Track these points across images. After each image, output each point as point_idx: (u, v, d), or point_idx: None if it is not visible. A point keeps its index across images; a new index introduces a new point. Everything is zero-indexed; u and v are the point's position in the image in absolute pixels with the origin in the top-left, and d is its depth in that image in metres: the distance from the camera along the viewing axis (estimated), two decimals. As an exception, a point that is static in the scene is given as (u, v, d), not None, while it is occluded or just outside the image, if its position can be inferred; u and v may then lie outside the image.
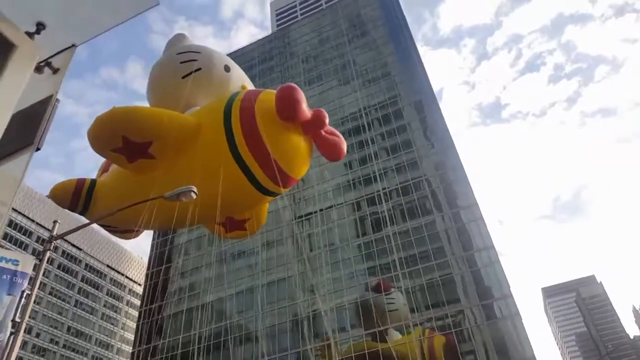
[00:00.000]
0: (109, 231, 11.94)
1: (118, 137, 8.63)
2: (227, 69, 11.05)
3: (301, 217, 52.98)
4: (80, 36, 3.95)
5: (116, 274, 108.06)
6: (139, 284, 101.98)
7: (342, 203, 51.77)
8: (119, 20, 3.64)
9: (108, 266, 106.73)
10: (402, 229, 46.94)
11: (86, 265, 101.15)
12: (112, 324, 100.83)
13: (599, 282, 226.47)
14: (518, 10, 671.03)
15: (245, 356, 44.20)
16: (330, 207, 51.93)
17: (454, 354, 37.94)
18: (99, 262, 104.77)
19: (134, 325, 72.94)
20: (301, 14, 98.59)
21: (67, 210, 11.03)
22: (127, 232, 11.71)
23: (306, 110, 9.12)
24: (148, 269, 59.33)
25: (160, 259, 58.11)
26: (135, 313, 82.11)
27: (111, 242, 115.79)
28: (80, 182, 10.53)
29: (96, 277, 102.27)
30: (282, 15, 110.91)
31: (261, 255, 51.27)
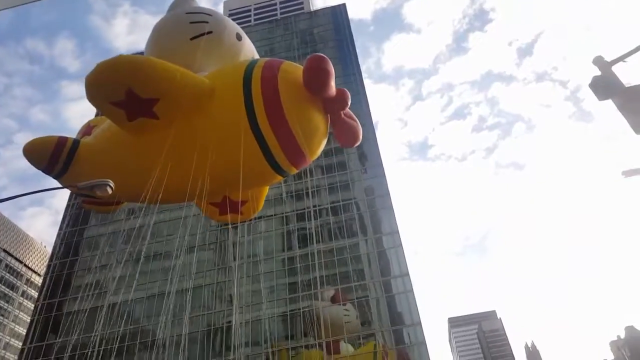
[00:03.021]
0: (86, 202, 10.41)
1: (122, 89, 7.58)
2: (238, 37, 10.16)
3: (227, 224, 51.77)
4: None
5: (13, 260, 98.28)
6: (39, 275, 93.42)
7: (271, 215, 51.44)
8: None
9: (4, 250, 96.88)
10: (327, 248, 47.50)
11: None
12: (2, 316, 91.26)
13: (498, 317, 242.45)
14: (454, 61, 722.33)
15: (148, 363, 41.92)
16: (259, 218, 51.36)
17: None
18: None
19: (27, 319, 66.65)
20: (255, 20, 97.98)
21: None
22: (106, 204, 10.21)
23: (333, 87, 8.43)
24: (51, 259, 54.71)
25: (66, 250, 53.88)
26: (31, 306, 75.15)
27: (10, 223, 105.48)
28: (62, 140, 9.17)
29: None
30: (235, 17, 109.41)
31: (179, 259, 49.29)
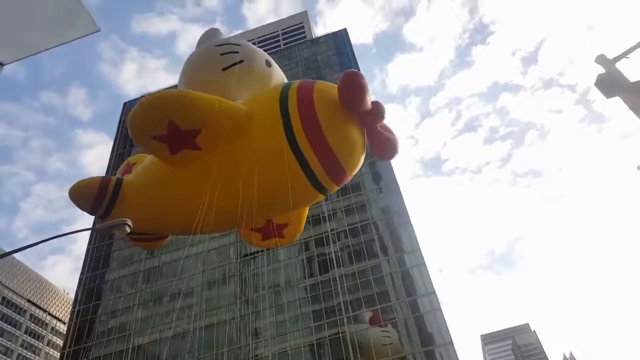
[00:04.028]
0: (132, 239, 10.46)
1: (164, 123, 7.76)
2: (268, 64, 10.31)
3: (246, 255, 51.48)
4: (8, 55, 3.49)
5: (37, 310, 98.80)
6: (63, 322, 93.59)
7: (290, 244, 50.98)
8: (53, 43, 3.24)
9: (28, 301, 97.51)
10: (348, 272, 46.67)
11: (3, 298, 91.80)
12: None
13: (532, 330, 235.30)
14: (459, 75, 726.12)
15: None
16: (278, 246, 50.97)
17: None
18: (18, 295, 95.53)
19: (53, 368, 66.39)
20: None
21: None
22: (153, 240, 10.43)
23: (369, 101, 8.52)
24: (74, 306, 54.68)
25: (88, 295, 53.90)
26: (57, 354, 75.00)
27: (33, 273, 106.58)
28: (106, 180, 9.28)
29: (14, 313, 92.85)
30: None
31: (201, 295, 48.88)
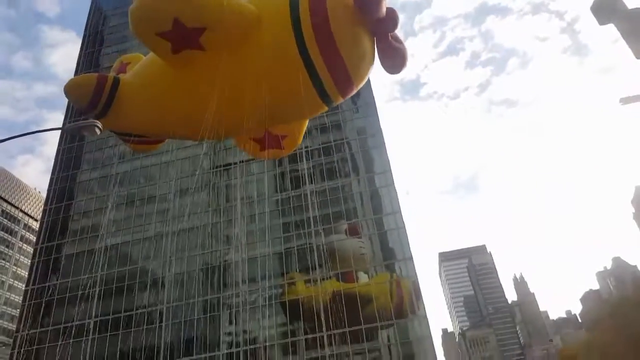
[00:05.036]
0: (126, 141, 10.21)
1: (169, 19, 7.34)
2: None
3: (220, 166, 51.86)
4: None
5: (9, 207, 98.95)
6: (35, 220, 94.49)
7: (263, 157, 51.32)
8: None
9: (1, 197, 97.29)
10: (319, 188, 47.96)
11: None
12: (4, 259, 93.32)
13: (488, 251, 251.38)
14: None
15: (150, 301, 43.54)
16: (251, 159, 51.37)
17: (417, 297, 41.35)
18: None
19: (28, 262, 68.24)
20: None
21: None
22: (149, 142, 10.19)
23: (384, 6, 8.00)
24: (46, 204, 55.00)
25: (60, 195, 54.06)
26: (30, 250, 76.63)
27: (4, 171, 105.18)
28: (102, 79, 8.86)
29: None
30: None
31: (174, 201, 49.75)
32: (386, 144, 50.58)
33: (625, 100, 9.52)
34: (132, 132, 9.73)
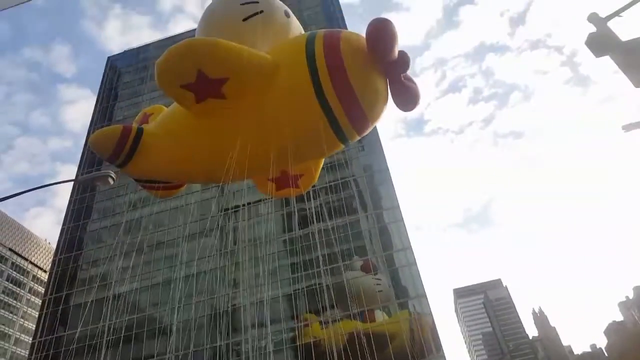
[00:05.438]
0: (147, 187, 10.56)
1: (193, 71, 7.74)
2: (287, 14, 10.24)
3: (228, 209, 51.94)
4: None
5: (19, 258, 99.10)
6: (44, 271, 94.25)
7: (270, 198, 51.36)
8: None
9: (10, 249, 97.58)
10: (327, 227, 47.61)
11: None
12: (11, 312, 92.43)
13: (504, 285, 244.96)
14: (446, 35, 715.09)
15: (158, 350, 42.54)
16: (259, 201, 51.41)
17: (435, 336, 40.39)
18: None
19: (35, 314, 67.52)
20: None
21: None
22: (169, 188, 10.51)
23: (397, 50, 8.38)
24: (56, 254, 55.04)
25: (70, 245, 54.17)
26: (38, 302, 75.98)
27: (15, 223, 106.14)
28: (127, 129, 9.27)
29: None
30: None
31: (182, 247, 49.56)
32: (393, 180, 50.67)
33: (628, 128, 9.62)
34: (155, 179, 10.10)
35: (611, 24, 7.56)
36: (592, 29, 7.54)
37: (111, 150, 9.19)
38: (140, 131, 9.40)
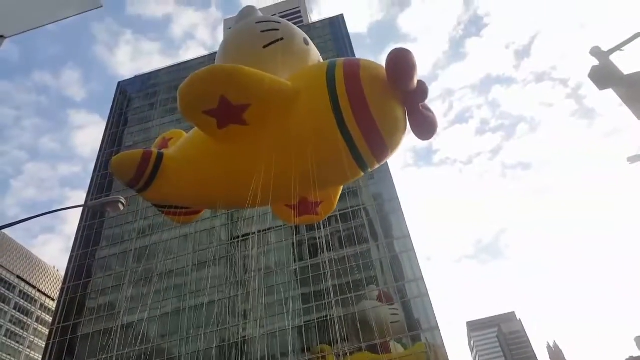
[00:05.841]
0: (166, 213, 10.51)
1: (216, 97, 7.85)
2: (306, 42, 10.43)
3: (237, 237, 51.72)
4: (10, 28, 3.55)
5: (26, 286, 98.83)
6: (53, 299, 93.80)
7: (280, 226, 51.24)
8: (55, 18, 3.30)
9: (18, 277, 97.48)
10: (338, 256, 47.11)
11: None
12: (18, 342, 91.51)
13: (518, 318, 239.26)
14: (453, 67, 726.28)
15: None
16: (269, 229, 51.21)
17: None
18: (7, 271, 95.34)
19: (43, 344, 66.73)
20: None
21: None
22: (188, 214, 10.51)
23: (416, 79, 8.57)
24: (64, 283, 54.75)
25: (78, 273, 53.96)
26: (46, 331, 75.27)
27: (23, 250, 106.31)
28: (147, 154, 9.33)
29: (3, 289, 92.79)
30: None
31: (190, 275, 49.18)
32: (403, 210, 50.33)
33: (633, 160, 9.62)
34: (175, 204, 10.07)
35: (613, 58, 7.68)
36: (595, 62, 7.65)
37: (132, 174, 9.20)
38: (160, 156, 9.43)
